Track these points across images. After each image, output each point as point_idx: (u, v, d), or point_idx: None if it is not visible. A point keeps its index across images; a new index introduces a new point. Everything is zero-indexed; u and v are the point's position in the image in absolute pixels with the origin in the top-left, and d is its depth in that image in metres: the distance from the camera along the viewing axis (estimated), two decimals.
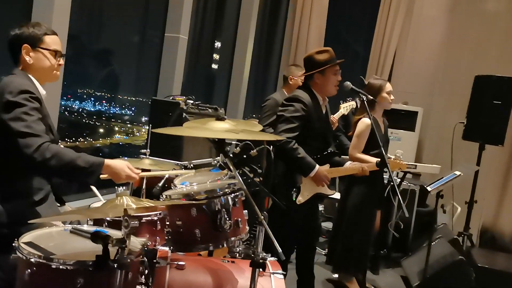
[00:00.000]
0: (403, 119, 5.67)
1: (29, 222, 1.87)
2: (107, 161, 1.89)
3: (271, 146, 2.37)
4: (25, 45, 2.04)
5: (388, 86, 3.42)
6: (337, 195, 4.97)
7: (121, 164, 1.91)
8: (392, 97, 3.46)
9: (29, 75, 2.06)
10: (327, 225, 5.21)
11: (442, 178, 3.42)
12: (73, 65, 3.52)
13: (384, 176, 3.56)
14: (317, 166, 2.86)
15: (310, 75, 2.99)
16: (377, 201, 3.47)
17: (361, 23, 6.98)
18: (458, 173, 3.44)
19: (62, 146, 2.19)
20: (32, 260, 1.52)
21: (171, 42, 4.36)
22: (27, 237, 1.69)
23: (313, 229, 3.20)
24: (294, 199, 2.84)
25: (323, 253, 4.32)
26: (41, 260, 1.52)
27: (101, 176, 1.86)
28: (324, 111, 3.05)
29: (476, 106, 4.36)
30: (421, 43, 6.15)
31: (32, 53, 2.06)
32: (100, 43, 4.08)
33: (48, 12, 2.91)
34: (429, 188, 3.32)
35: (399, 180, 4.17)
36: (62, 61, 2.16)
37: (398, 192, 2.72)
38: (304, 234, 3.21)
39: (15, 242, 1.61)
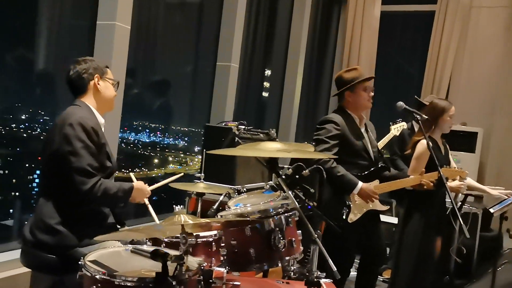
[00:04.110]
0: (462, 140, 5.46)
1: (92, 240, 1.99)
2: (135, 185, 2.20)
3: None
4: (98, 75, 2.21)
5: (452, 110, 3.26)
6: (393, 219, 4.83)
7: (142, 185, 2.25)
8: (453, 121, 3.34)
9: (89, 105, 2.20)
10: None
11: (506, 199, 3.25)
12: (129, 97, 3.69)
13: (446, 200, 3.43)
14: (360, 183, 2.85)
15: (342, 95, 3.04)
16: (437, 227, 3.33)
17: (413, 44, 6.87)
18: None
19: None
20: (97, 277, 1.61)
21: (222, 71, 4.51)
22: (91, 255, 1.79)
23: (374, 252, 3.12)
24: (345, 218, 2.81)
25: (381, 279, 4.18)
26: (105, 277, 1.61)
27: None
28: (363, 129, 3.06)
29: None
30: (478, 62, 5.96)
31: (102, 82, 2.22)
32: (154, 75, 4.28)
33: (109, 47, 3.12)
34: (492, 210, 3.16)
35: (460, 203, 4.00)
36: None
37: (458, 213, 2.61)
38: (364, 256, 3.14)
39: (81, 260, 1.71)
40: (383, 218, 4.47)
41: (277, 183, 1.97)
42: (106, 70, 2.27)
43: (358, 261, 3.31)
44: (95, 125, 2.10)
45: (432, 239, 3.32)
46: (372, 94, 3.03)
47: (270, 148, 1.76)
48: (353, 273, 3.39)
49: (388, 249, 4.83)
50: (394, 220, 4.79)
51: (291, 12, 5.83)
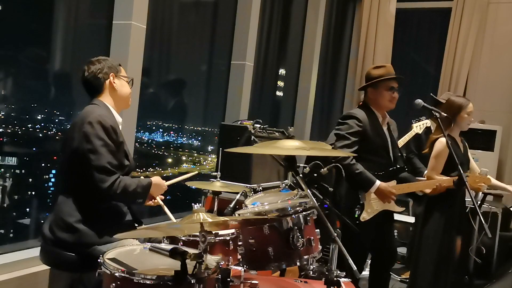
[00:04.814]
0: (480, 139, 5.39)
1: (111, 238, 2.00)
2: (153, 180, 2.20)
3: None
4: (112, 73, 2.23)
5: (470, 107, 3.20)
6: (409, 219, 4.77)
7: (159, 180, 2.24)
8: (472, 118, 3.28)
9: (107, 104, 2.22)
10: (402, 250, 4.99)
11: None
12: (143, 97, 3.69)
13: (465, 200, 3.37)
14: (378, 181, 2.81)
15: (366, 90, 3.02)
16: (457, 226, 3.27)
17: (430, 41, 6.78)
18: None
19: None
20: (117, 274, 1.61)
21: (237, 69, 4.50)
22: (110, 253, 1.80)
23: (387, 252, 3.09)
24: (356, 216, 2.79)
25: (398, 279, 4.14)
26: (124, 275, 1.60)
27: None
28: (385, 128, 3.02)
29: None
30: (497, 59, 5.86)
31: (117, 80, 2.24)
32: (169, 75, 4.28)
33: (125, 46, 3.13)
34: None
35: (479, 202, 3.94)
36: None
37: (479, 211, 2.56)
38: (377, 257, 3.11)
39: (101, 258, 1.71)
40: (400, 217, 4.42)
41: (295, 181, 1.96)
42: (119, 68, 2.29)
43: (370, 261, 3.28)
44: (113, 123, 2.11)
45: (453, 238, 3.27)
46: (396, 95, 2.96)
47: (289, 146, 1.75)
48: (364, 272, 3.37)
49: (405, 249, 4.80)
50: (410, 219, 4.74)
51: (306, 10, 5.80)
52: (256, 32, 4.58)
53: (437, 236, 3.18)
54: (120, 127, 2.22)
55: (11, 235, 2.95)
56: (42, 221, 3.01)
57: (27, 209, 3.07)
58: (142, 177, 2.26)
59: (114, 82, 2.23)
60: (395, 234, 5.17)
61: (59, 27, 3.18)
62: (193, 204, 1.56)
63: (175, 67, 4.28)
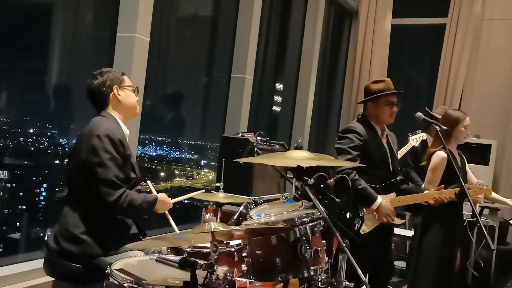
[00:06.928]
0: (475, 153, 5.44)
1: (117, 250, 1.99)
2: (159, 197, 2.22)
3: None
4: (116, 85, 2.22)
5: (467, 120, 3.24)
6: (407, 232, 4.78)
7: (165, 197, 2.26)
8: (468, 132, 3.32)
9: (114, 116, 2.22)
10: (400, 264, 4.99)
11: None
12: (142, 110, 3.68)
13: (463, 213, 3.39)
14: (379, 198, 2.82)
15: (365, 104, 3.04)
16: (457, 239, 3.28)
17: (424, 57, 6.89)
18: None
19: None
20: (125, 285, 1.60)
21: (237, 82, 4.53)
22: (117, 264, 1.79)
23: (385, 266, 3.09)
24: (356, 229, 2.79)
25: None
26: (133, 285, 1.60)
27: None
28: (385, 141, 3.04)
29: None
30: (491, 74, 5.95)
31: (121, 92, 2.23)
32: (168, 88, 4.28)
33: (129, 59, 3.15)
34: None
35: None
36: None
37: (481, 222, 2.58)
38: (375, 271, 3.11)
39: (108, 269, 1.71)
40: (397, 231, 4.42)
41: (299, 192, 1.97)
42: (123, 78, 2.27)
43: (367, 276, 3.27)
44: (121, 136, 2.11)
45: (453, 250, 3.27)
46: (395, 109, 2.98)
47: (298, 156, 1.77)
48: None
49: (403, 263, 4.79)
50: (408, 233, 4.75)
51: (303, 25, 5.87)
52: (256, 45, 4.62)
53: (437, 248, 3.18)
54: (127, 139, 2.22)
55: (0, 249, 2.88)
56: (32, 236, 2.99)
57: (17, 224, 3.02)
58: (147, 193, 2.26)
59: (118, 94, 2.22)
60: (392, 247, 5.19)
61: (61, 40, 3.18)
62: (203, 214, 1.57)
63: (175, 80, 4.29)
